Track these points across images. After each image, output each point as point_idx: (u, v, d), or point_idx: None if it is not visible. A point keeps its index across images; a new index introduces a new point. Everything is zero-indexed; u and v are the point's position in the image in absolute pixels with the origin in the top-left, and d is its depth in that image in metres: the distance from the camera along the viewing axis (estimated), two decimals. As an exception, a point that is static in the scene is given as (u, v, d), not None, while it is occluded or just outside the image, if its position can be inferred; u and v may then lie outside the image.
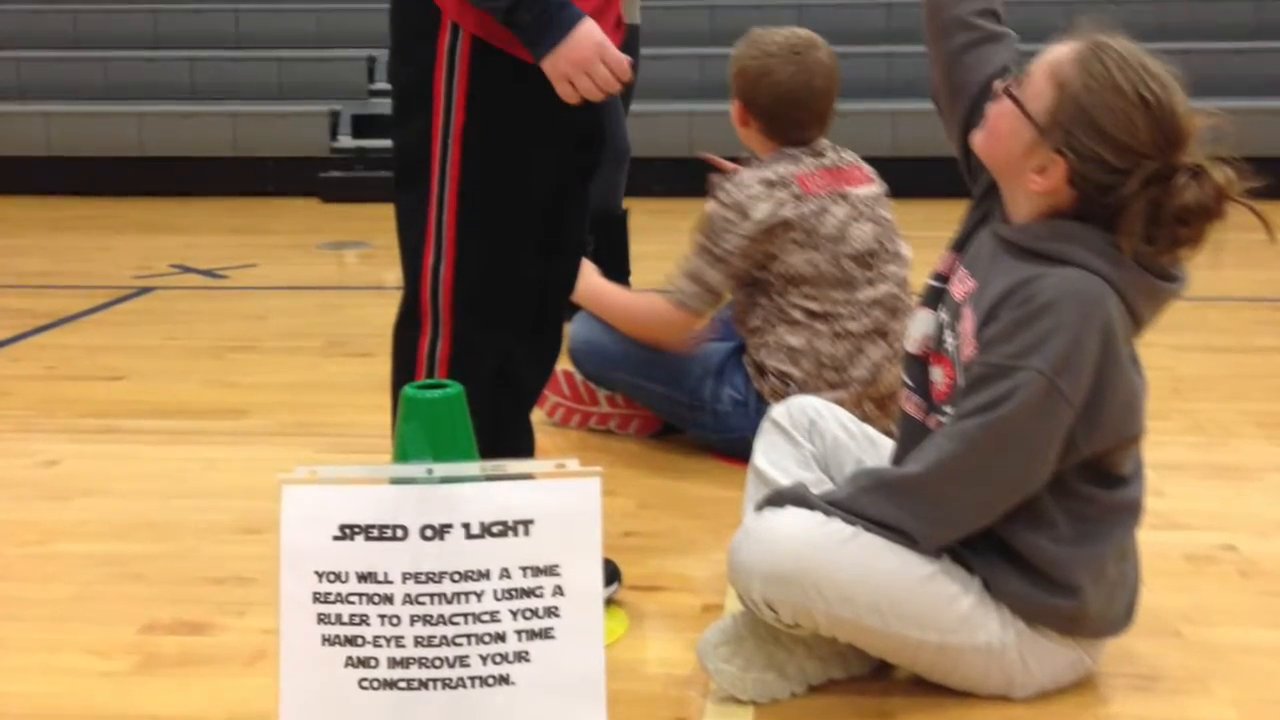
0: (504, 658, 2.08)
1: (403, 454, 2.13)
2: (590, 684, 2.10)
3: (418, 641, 2.07)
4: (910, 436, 2.61)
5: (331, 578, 2.07)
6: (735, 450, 3.66)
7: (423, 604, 2.07)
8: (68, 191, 9.43)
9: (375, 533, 2.07)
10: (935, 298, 2.64)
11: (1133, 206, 2.38)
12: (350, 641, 2.07)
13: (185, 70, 10.20)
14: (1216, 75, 8.44)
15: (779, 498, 2.54)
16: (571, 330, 4.03)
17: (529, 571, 2.09)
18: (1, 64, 10.25)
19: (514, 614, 2.09)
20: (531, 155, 2.71)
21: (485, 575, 2.08)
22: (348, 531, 2.07)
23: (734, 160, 3.99)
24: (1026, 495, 2.43)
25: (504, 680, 2.09)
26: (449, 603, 2.07)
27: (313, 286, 6.73)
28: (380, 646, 2.07)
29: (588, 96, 2.60)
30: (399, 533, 2.07)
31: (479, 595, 2.08)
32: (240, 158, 9.52)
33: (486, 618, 2.08)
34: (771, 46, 3.80)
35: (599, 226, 4.80)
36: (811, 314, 3.74)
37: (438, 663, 2.07)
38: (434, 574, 2.07)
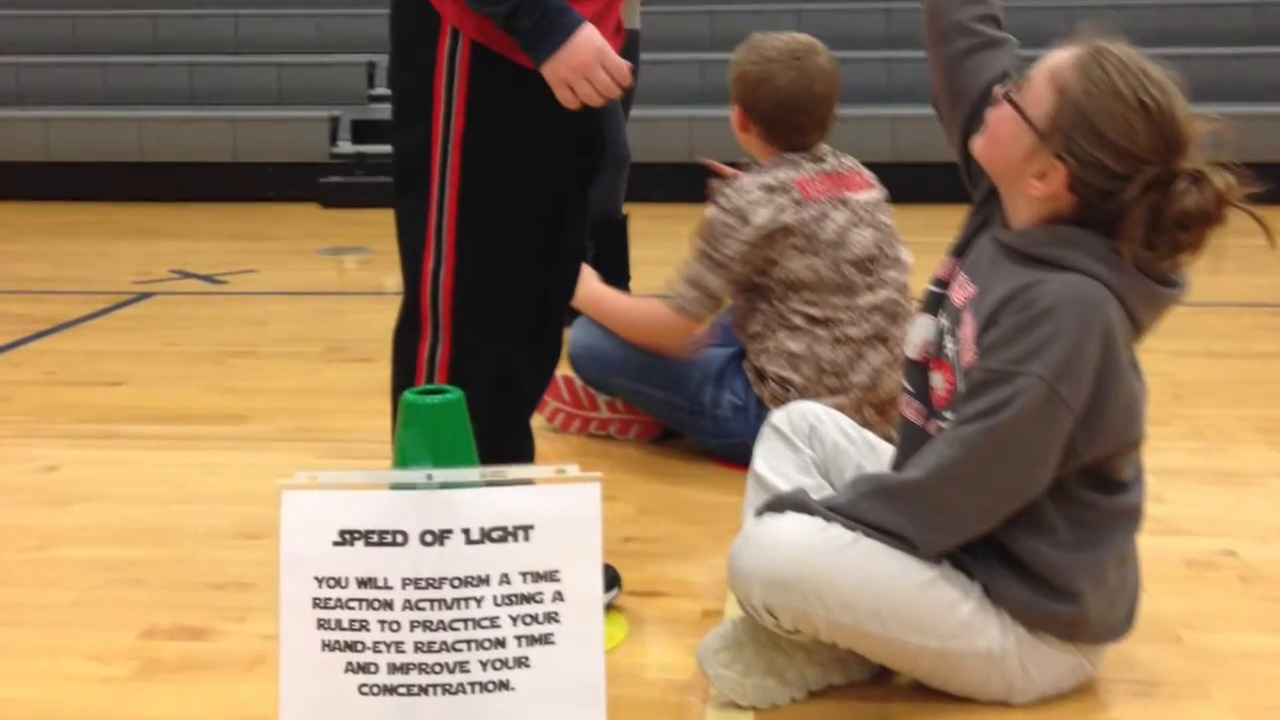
0: (504, 663, 2.08)
1: (403, 459, 2.13)
2: (590, 689, 2.10)
3: (418, 647, 2.07)
4: (910, 442, 2.61)
5: (331, 583, 2.07)
6: (735, 455, 3.66)
7: (423, 609, 2.07)
8: (67, 197, 9.44)
9: (375, 538, 2.07)
10: (935, 303, 2.64)
11: (1133, 212, 2.38)
12: (350, 647, 2.07)
13: (185, 75, 10.20)
14: (1216, 80, 8.44)
15: (779, 503, 2.54)
16: (571, 335, 4.03)
17: (529, 577, 2.09)
18: (1, 69, 10.25)
19: (514, 619, 2.08)
20: (531, 161, 2.71)
21: (485, 581, 2.08)
22: (348, 537, 2.07)
23: (734, 165, 3.99)
24: (1027, 501, 2.43)
25: (504, 686, 2.09)
26: (449, 608, 2.07)
27: (312, 292, 6.73)
28: (380, 652, 2.07)
29: (588, 102, 2.60)
30: (399, 538, 2.07)
31: (479, 601, 2.07)
32: (240, 163, 9.53)
33: (486, 623, 2.08)
34: (772, 52, 3.80)
35: (599, 232, 4.80)
36: (812, 319, 3.74)
37: (438, 668, 2.07)
38: (434, 579, 2.07)
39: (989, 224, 2.61)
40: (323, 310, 6.23)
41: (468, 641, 2.07)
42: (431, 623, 2.07)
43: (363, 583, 2.07)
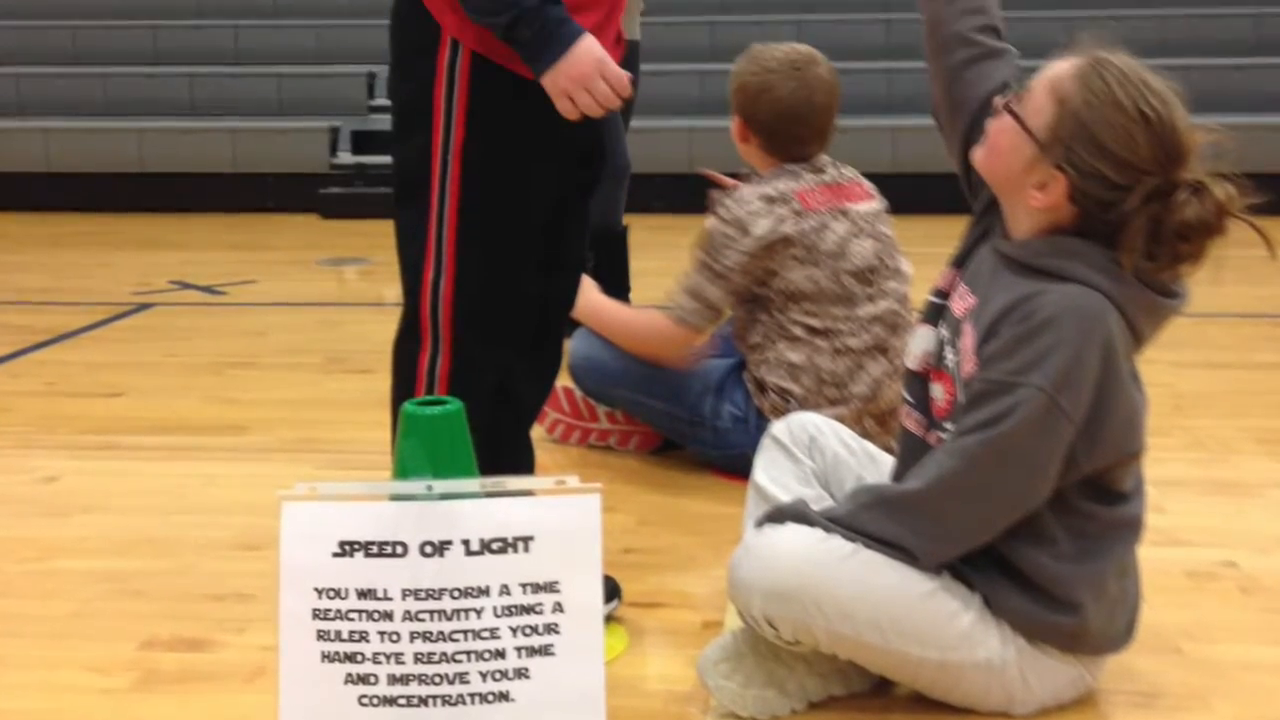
0: (504, 674, 2.08)
1: (402, 471, 2.13)
2: (590, 701, 2.10)
3: (417, 658, 2.07)
4: (911, 453, 2.61)
5: (331, 594, 2.07)
6: (735, 467, 3.66)
7: (422, 621, 2.07)
8: (67, 207, 9.43)
9: (375, 549, 2.07)
10: (936, 314, 2.64)
11: (1133, 223, 2.37)
12: (350, 658, 2.07)
13: (185, 86, 10.20)
14: (1217, 91, 8.44)
15: (779, 514, 2.54)
16: (571, 346, 4.03)
17: (529, 588, 2.09)
18: (1, 80, 10.26)
19: (514, 631, 2.08)
20: (531, 171, 2.71)
21: (485, 592, 2.07)
22: (347, 548, 2.07)
23: (734, 176, 3.99)
24: (1027, 512, 2.42)
25: (504, 697, 2.08)
26: (449, 619, 2.07)
27: (312, 303, 6.73)
28: (380, 663, 2.07)
29: (588, 113, 2.60)
30: (399, 549, 2.07)
31: (479, 612, 2.07)
32: (240, 174, 9.53)
33: (486, 634, 2.08)
34: (772, 62, 3.80)
35: (599, 243, 4.80)
36: (812, 330, 3.74)
37: (437, 679, 2.07)
38: (434, 591, 2.07)
39: (989, 235, 2.61)
40: (322, 321, 6.23)
41: (468, 653, 2.07)
42: (431, 634, 2.07)
43: (362, 594, 2.07)
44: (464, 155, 2.67)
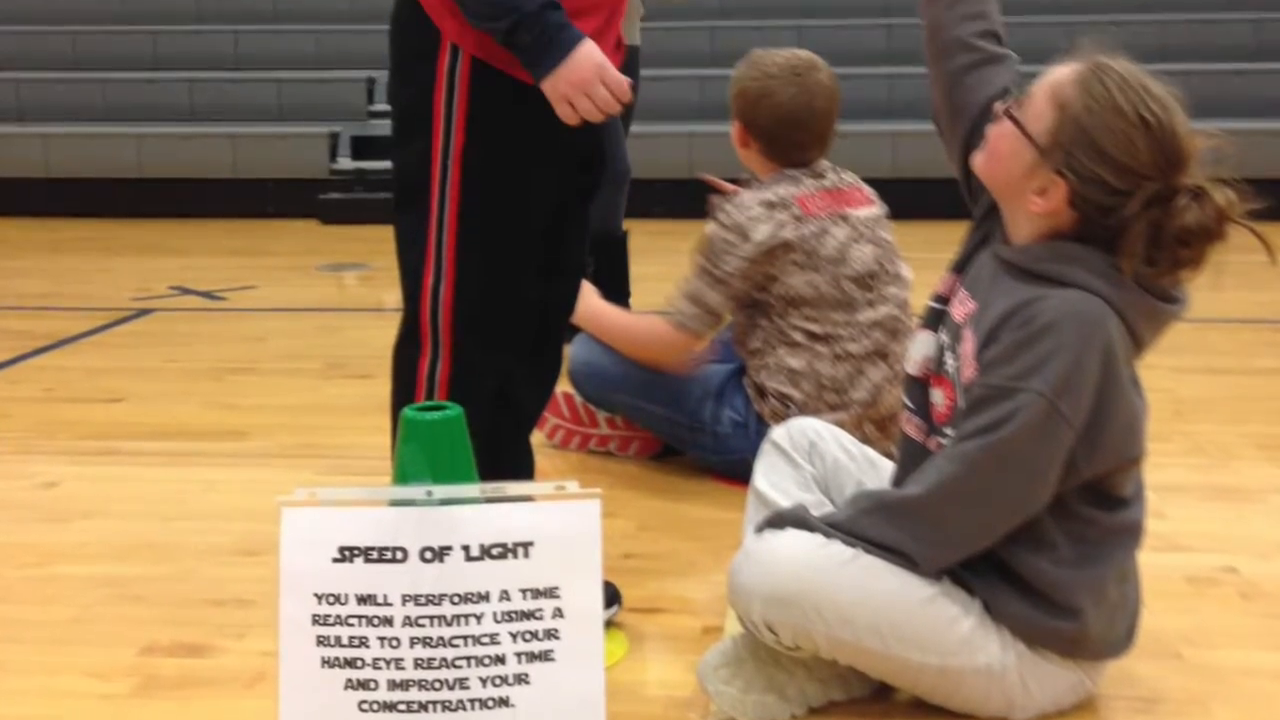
0: (504, 680, 2.08)
1: (402, 476, 2.13)
2: (590, 706, 2.09)
3: (417, 664, 2.07)
4: (911, 458, 2.60)
5: (331, 600, 2.07)
6: (735, 472, 3.66)
7: (422, 626, 2.06)
8: (67, 213, 9.44)
9: (375, 555, 2.07)
10: (936, 319, 2.64)
11: (1134, 228, 2.37)
12: (350, 664, 2.07)
13: (184, 92, 10.21)
14: (1217, 96, 8.45)
15: (779, 519, 2.54)
16: (571, 352, 4.03)
17: (529, 594, 2.08)
18: (1, 85, 10.26)
19: (514, 636, 2.08)
20: (531, 176, 2.71)
21: (485, 597, 2.07)
22: (347, 554, 2.07)
23: (734, 181, 3.99)
24: (1027, 517, 2.42)
25: (504, 702, 2.08)
26: (449, 625, 2.07)
27: (312, 308, 6.73)
28: (380, 669, 2.07)
29: (588, 118, 2.60)
30: (398, 555, 2.07)
31: (479, 617, 2.07)
32: (239, 179, 9.54)
33: (486, 640, 2.07)
34: (772, 68, 3.80)
35: (599, 248, 4.80)
36: (812, 336, 3.74)
37: (437, 685, 2.07)
38: (433, 596, 2.06)
39: (989, 240, 2.61)
40: (322, 326, 6.23)
41: (467, 658, 2.07)
42: (431, 639, 2.06)
43: (362, 599, 2.06)
44: (464, 160, 2.67)
